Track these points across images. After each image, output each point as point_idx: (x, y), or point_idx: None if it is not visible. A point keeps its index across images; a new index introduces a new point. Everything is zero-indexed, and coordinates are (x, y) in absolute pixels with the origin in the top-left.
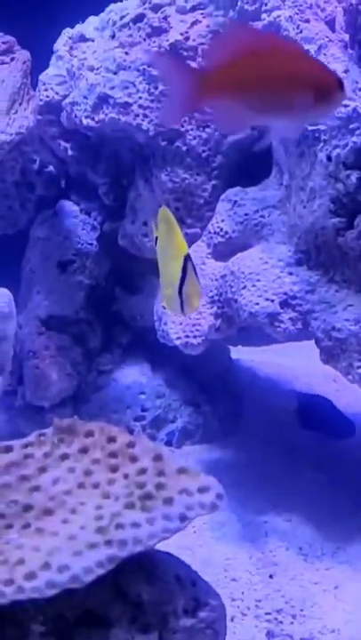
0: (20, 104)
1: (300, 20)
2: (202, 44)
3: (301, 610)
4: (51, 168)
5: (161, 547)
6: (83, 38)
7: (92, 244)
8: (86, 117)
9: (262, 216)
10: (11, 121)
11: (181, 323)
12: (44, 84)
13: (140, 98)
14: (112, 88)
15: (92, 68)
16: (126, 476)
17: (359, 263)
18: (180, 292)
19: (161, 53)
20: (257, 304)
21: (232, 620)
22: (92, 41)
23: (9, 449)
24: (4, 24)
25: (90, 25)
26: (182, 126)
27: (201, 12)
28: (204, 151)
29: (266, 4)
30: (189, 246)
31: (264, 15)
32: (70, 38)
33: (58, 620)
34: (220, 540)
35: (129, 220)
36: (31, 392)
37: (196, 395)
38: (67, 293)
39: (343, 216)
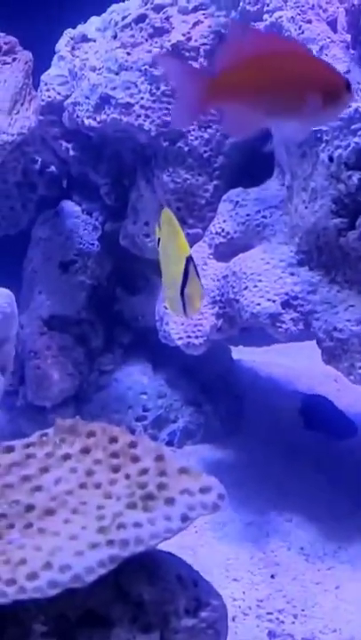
0: (22, 104)
1: (302, 20)
2: (204, 44)
3: (303, 610)
4: (52, 168)
5: (162, 547)
6: (85, 38)
7: (93, 245)
8: (88, 118)
9: (264, 216)
10: (12, 121)
11: (183, 323)
12: (46, 84)
13: (142, 98)
14: (114, 88)
15: (93, 69)
16: (128, 477)
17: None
18: (182, 294)
19: (169, 57)
20: (259, 304)
21: (233, 619)
22: (94, 41)
23: (11, 449)
24: (5, 24)
25: (92, 25)
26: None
27: (203, 12)
28: (205, 152)
29: (268, 5)
30: (191, 247)
31: (266, 16)
32: (72, 38)
33: (59, 619)
34: (221, 540)
35: (130, 221)
36: (33, 392)
37: (197, 395)
38: (68, 293)
39: (345, 217)
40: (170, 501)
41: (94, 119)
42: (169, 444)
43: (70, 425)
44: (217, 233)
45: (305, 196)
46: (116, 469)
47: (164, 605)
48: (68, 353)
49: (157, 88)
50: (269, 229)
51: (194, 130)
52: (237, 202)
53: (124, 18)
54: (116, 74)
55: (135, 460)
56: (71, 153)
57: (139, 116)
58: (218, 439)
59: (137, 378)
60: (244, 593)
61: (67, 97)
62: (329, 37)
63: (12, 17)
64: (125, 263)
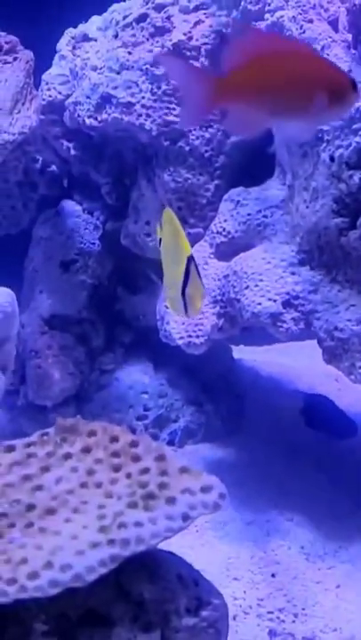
0: (23, 104)
1: (304, 20)
2: (205, 44)
3: (303, 609)
4: (53, 168)
5: (163, 546)
6: (86, 38)
7: (94, 244)
8: (89, 117)
9: (265, 216)
10: (13, 121)
11: (184, 322)
12: (47, 83)
13: (143, 97)
14: (115, 88)
15: (94, 68)
16: (129, 476)
17: None
18: (183, 294)
19: (173, 56)
20: (260, 304)
21: (234, 618)
22: (95, 41)
23: (12, 448)
24: (6, 24)
25: (93, 25)
26: None
27: (204, 11)
28: (206, 151)
29: (269, 4)
30: (192, 246)
31: (267, 15)
32: (73, 38)
33: (60, 618)
34: (222, 540)
35: (131, 220)
36: (34, 391)
37: (198, 394)
38: (69, 293)
39: (346, 216)
40: (171, 501)
41: (95, 118)
42: (170, 443)
43: (71, 424)
44: (218, 232)
45: (306, 195)
46: (116, 469)
47: (165, 604)
48: (68, 352)
49: (158, 87)
50: (270, 229)
51: (195, 129)
52: (238, 201)
53: (125, 17)
54: (118, 73)
55: (136, 459)
56: (72, 152)
57: (140, 115)
58: (219, 438)
59: (138, 377)
60: (244, 592)
61: (68, 96)
62: (330, 37)
63: (13, 16)
64: (126, 262)
